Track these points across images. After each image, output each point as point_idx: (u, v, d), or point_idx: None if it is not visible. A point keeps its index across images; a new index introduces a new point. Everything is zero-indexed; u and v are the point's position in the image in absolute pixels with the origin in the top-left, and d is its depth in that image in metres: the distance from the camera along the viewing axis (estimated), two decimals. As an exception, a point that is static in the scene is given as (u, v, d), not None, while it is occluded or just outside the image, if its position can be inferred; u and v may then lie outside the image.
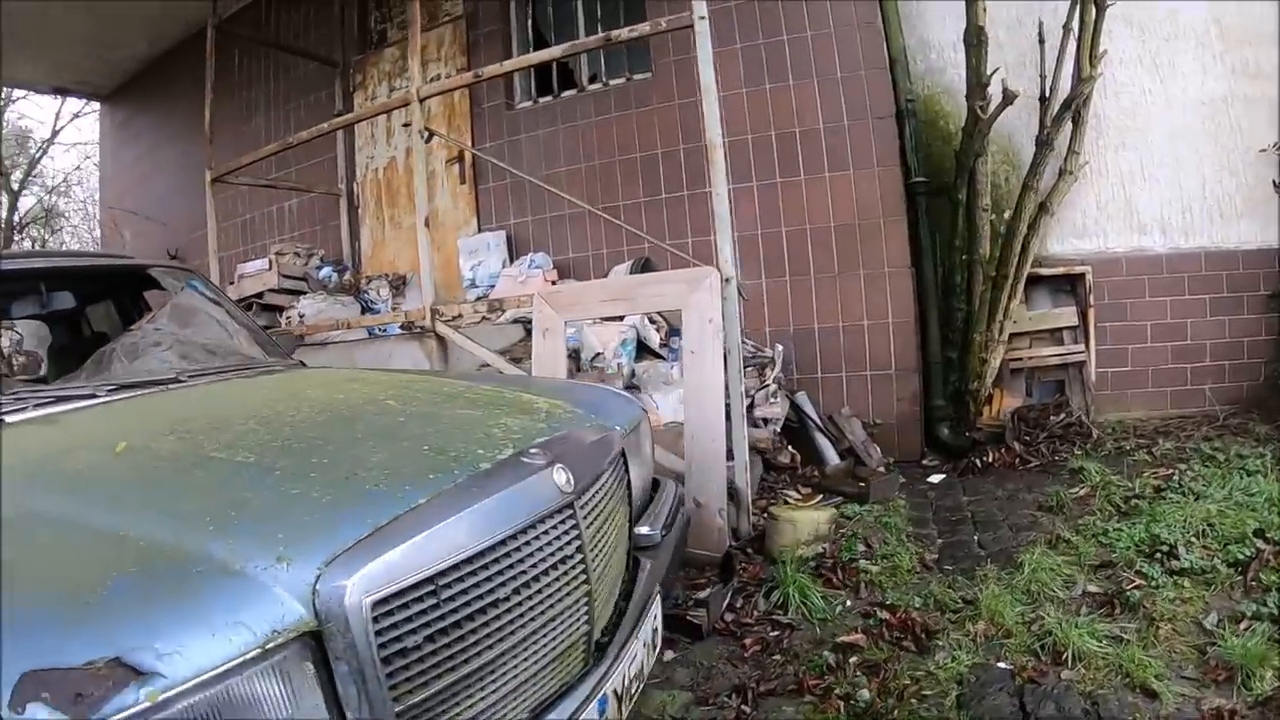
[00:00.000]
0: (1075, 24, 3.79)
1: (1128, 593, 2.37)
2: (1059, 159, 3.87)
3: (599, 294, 3.56)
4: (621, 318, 4.05)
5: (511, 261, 5.11)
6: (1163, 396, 4.16)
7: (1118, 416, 4.17)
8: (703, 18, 3.11)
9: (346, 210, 6.26)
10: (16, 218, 15.28)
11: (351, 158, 6.26)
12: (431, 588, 1.06)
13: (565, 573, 1.30)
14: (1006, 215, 4.01)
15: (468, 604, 1.11)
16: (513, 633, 1.19)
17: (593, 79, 5.09)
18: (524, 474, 1.30)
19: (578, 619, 1.34)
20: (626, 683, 1.42)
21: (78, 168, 17.54)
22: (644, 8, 4.44)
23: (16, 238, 15.01)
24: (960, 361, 4.11)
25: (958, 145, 4.02)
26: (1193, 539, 2.63)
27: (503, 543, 1.18)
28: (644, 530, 1.81)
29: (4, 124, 14.23)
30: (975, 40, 3.85)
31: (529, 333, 3.95)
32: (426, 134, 4.02)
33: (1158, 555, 2.58)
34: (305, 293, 5.49)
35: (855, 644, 2.33)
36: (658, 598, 1.66)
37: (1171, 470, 3.31)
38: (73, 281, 3.12)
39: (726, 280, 3.09)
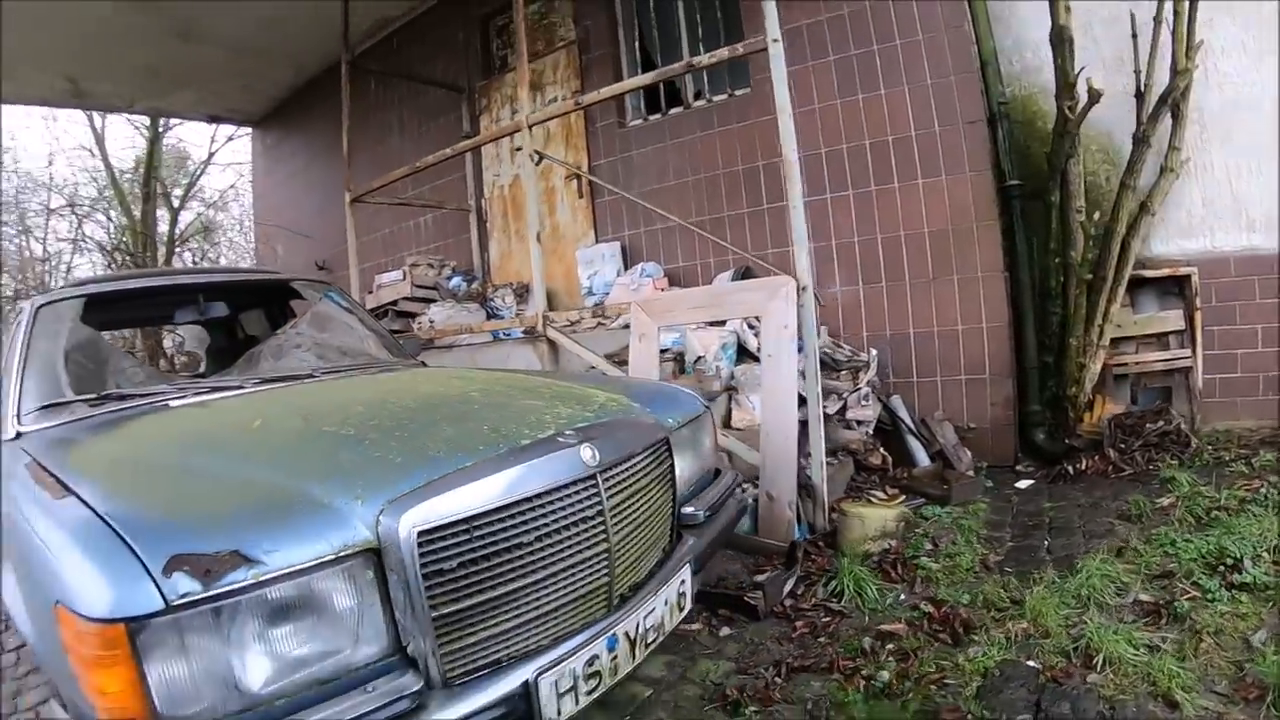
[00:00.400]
0: (1168, 15, 4.03)
1: (1177, 603, 2.55)
2: (1159, 156, 4.13)
3: (688, 302, 4.21)
4: (723, 323, 4.66)
5: (625, 270, 5.93)
6: (1272, 405, 4.25)
7: (1225, 425, 4.30)
8: (776, 40, 3.63)
9: (476, 224, 7.39)
10: (177, 232, 18.71)
11: (479, 176, 7.37)
12: (465, 527, 1.59)
13: (585, 530, 1.82)
14: (1104, 216, 4.30)
15: (494, 542, 1.64)
16: (534, 571, 1.71)
17: (697, 95, 5.79)
18: (554, 449, 1.84)
19: (597, 570, 1.85)
20: (641, 630, 1.92)
21: (233, 185, 20.44)
22: (741, 27, 4.98)
23: (177, 250, 18.23)
24: (1057, 367, 4.42)
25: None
26: (1262, 554, 2.78)
27: (529, 499, 1.71)
28: (689, 510, 2.34)
29: (163, 147, 17.48)
30: (1059, 39, 4.16)
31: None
32: (536, 157, 4.77)
33: (1221, 569, 2.74)
34: (435, 300, 6.56)
35: (895, 633, 2.70)
36: (687, 567, 2.17)
37: (1261, 483, 3.45)
38: (230, 293, 4.18)
39: (802, 289, 3.60)
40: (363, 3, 6.46)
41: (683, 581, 2.15)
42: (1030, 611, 2.67)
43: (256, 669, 1.39)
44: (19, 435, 2.34)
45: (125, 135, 19.51)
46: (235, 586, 1.36)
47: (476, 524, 1.63)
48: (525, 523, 1.72)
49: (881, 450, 4.46)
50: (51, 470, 1.79)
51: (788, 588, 3.13)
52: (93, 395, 2.52)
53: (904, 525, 3.67)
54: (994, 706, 2.20)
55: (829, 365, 4.60)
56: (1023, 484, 4.21)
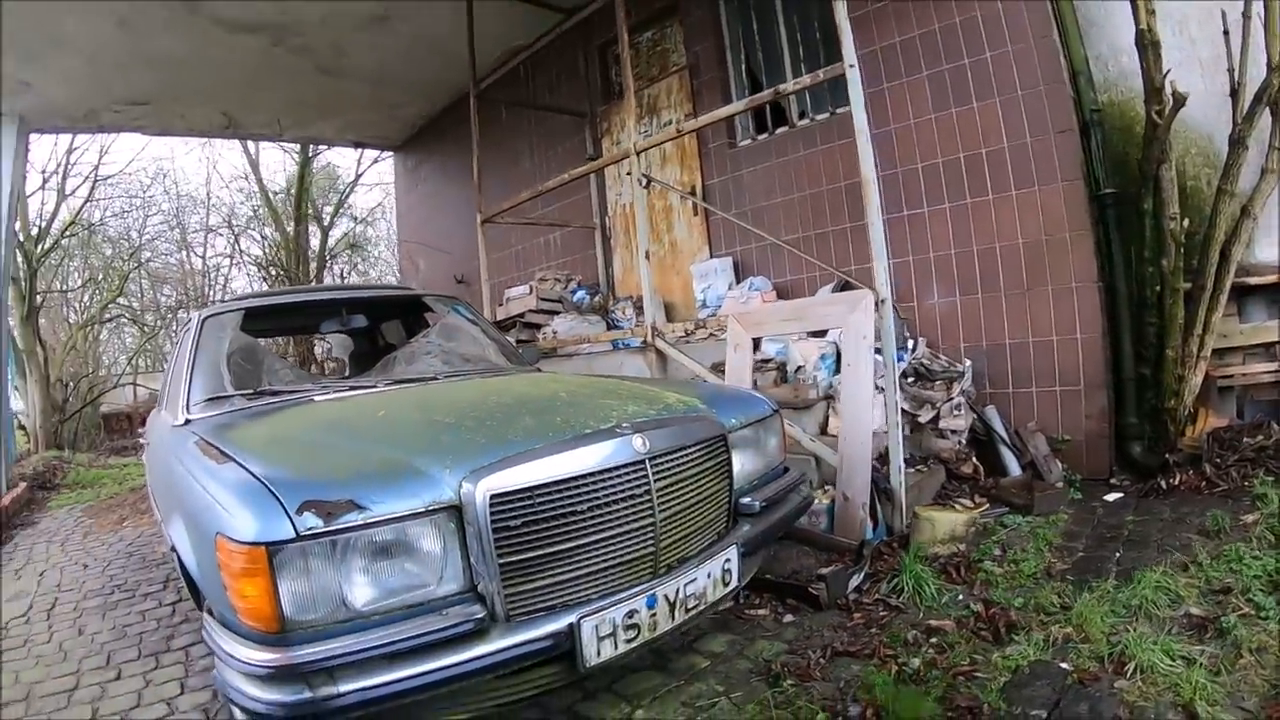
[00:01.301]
0: (1259, 9, 4.00)
1: (1225, 619, 2.63)
2: (1262, 157, 4.07)
3: (777, 315, 4.67)
4: (824, 334, 5.04)
5: (736, 284, 6.41)
6: (1388, 421, 4.23)
7: (1335, 441, 4.22)
8: (852, 65, 4.00)
9: (600, 241, 8.11)
10: (327, 248, 20.22)
11: (603, 195, 8.12)
12: (528, 494, 2.13)
13: (633, 506, 2.31)
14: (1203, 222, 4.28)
15: (551, 508, 2.16)
16: (585, 535, 2.21)
17: (801, 115, 6.21)
18: (609, 437, 2.35)
19: (643, 541, 2.32)
20: (681, 596, 2.36)
21: (380, 204, 22.00)
22: (839, 46, 5.61)
23: (327, 264, 19.22)
24: (1155, 378, 4.46)
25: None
26: (1329, 575, 2.88)
27: (583, 476, 2.22)
28: (745, 500, 2.78)
29: (313, 170, 19.59)
30: (1144, 41, 4.17)
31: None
32: (644, 180, 5.33)
33: (1281, 587, 2.86)
34: (559, 313, 7.21)
35: (942, 628, 2.95)
36: (734, 547, 2.58)
37: (1353, 503, 3.51)
38: (370, 307, 5.07)
39: (881, 301, 3.96)
40: (490, 36, 7.23)
41: (728, 560, 2.57)
42: (1076, 617, 2.84)
43: (360, 591, 1.97)
44: (188, 422, 3.12)
45: (277, 160, 22.01)
46: (348, 525, 1.94)
47: (537, 492, 2.16)
48: (579, 495, 2.23)
49: (974, 460, 4.69)
50: (216, 445, 2.48)
51: (853, 583, 3.44)
52: (249, 391, 3.31)
53: (975, 530, 3.95)
54: (1014, 701, 2.36)
55: (924, 375, 4.93)
56: (1111, 497, 4.32)
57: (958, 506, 4.32)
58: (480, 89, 7.15)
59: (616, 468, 2.31)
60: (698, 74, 6.94)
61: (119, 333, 23.53)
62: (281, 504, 1.94)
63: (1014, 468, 4.64)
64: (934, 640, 2.88)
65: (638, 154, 5.35)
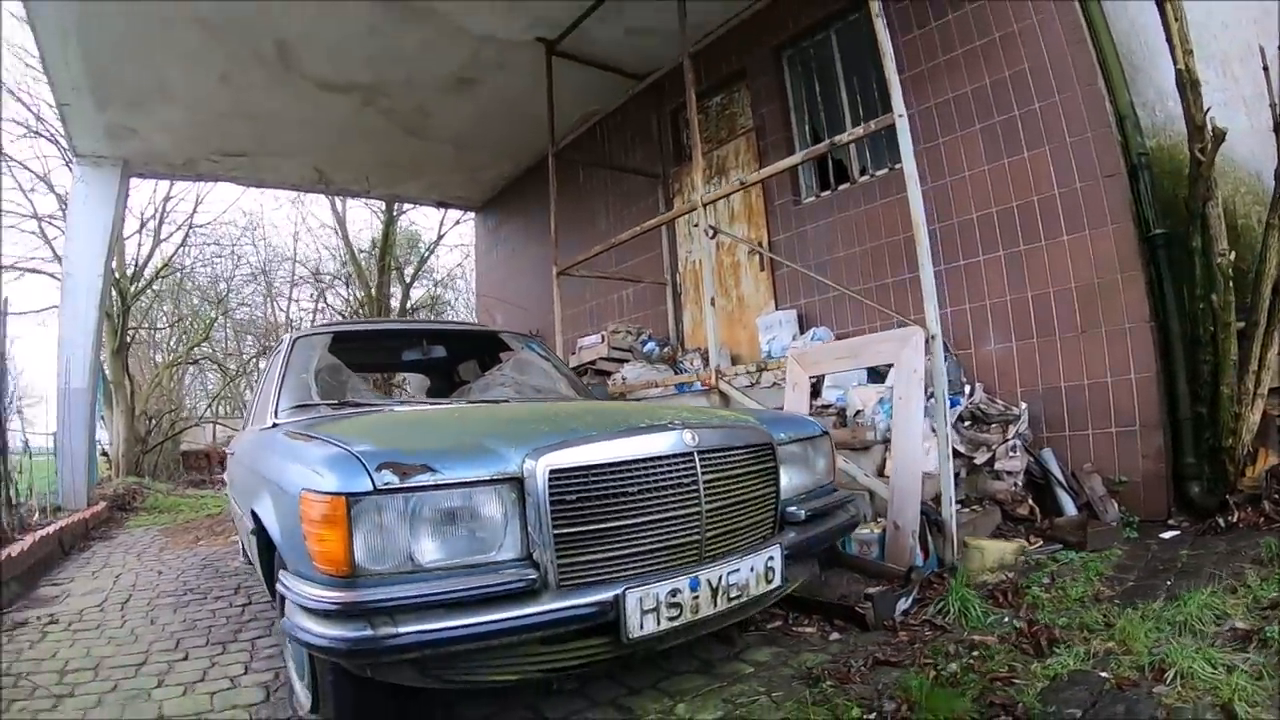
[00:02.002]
0: None
1: (1270, 629, 2.68)
2: None
3: (833, 354, 4.98)
4: (883, 379, 5.31)
5: (799, 335, 6.66)
6: None
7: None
8: (901, 115, 4.29)
9: (671, 297, 8.51)
10: (408, 305, 20.92)
11: (674, 252, 8.54)
12: (583, 472, 2.37)
13: (680, 494, 2.53)
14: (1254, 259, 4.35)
15: (604, 487, 2.39)
16: (634, 515, 2.43)
17: (863, 171, 6.54)
18: (661, 430, 2.61)
19: (689, 527, 2.53)
20: (724, 584, 2.55)
21: (459, 264, 23.11)
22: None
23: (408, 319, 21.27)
24: (1211, 417, 4.48)
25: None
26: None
27: (634, 461, 2.46)
28: (791, 509, 2.99)
29: (397, 228, 20.87)
30: (1183, 81, 4.34)
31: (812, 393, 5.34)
32: (711, 233, 5.69)
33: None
34: (629, 361, 7.61)
35: (984, 642, 3.04)
36: (777, 547, 2.78)
37: None
38: (449, 340, 5.49)
39: (931, 337, 4.18)
40: (567, 98, 7.82)
41: (771, 558, 2.75)
42: (1119, 632, 2.91)
43: (426, 547, 2.22)
44: (275, 425, 3.52)
45: (363, 218, 23.46)
46: (420, 485, 2.21)
47: (592, 472, 2.40)
48: (630, 478, 2.46)
49: (1030, 501, 4.79)
50: (303, 433, 2.81)
51: (900, 606, 3.59)
52: (334, 401, 3.71)
53: (1025, 562, 4.07)
54: (1049, 703, 2.43)
55: (981, 419, 5.08)
56: (1166, 535, 4.37)
57: (1009, 538, 4.46)
58: (558, 149, 7.68)
59: (666, 457, 2.54)
60: (764, 135, 7.38)
61: (202, 376, 24.87)
62: (363, 464, 2.21)
63: (1070, 509, 4.73)
64: (975, 653, 2.98)
65: (704, 206, 5.71)
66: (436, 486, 2.24)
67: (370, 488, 2.15)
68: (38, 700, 3.30)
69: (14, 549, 5.60)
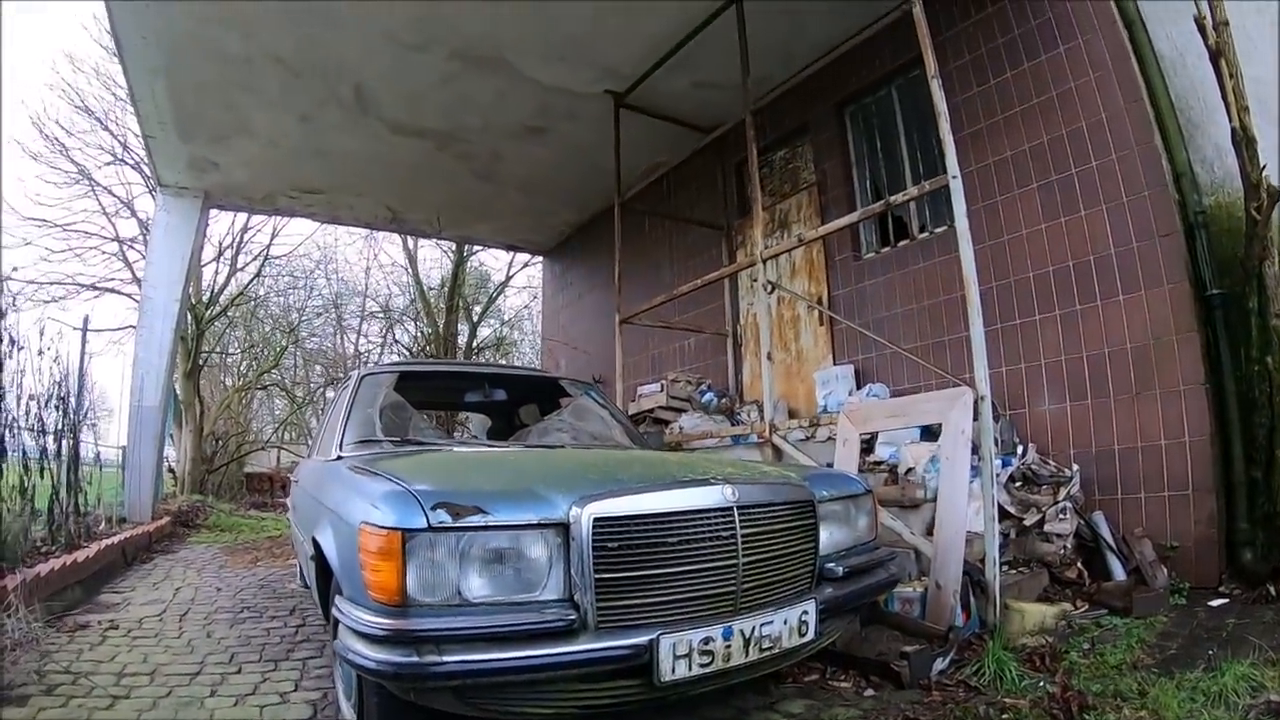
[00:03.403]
0: None
1: None
2: None
3: (883, 410, 5.09)
4: (935, 438, 5.28)
5: (855, 391, 6.85)
6: None
7: None
8: (955, 176, 4.47)
9: (731, 348, 8.75)
10: (475, 343, 21.56)
11: (735, 305, 8.80)
12: (626, 521, 2.53)
13: (718, 547, 2.67)
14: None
15: (645, 537, 2.55)
16: (672, 564, 2.58)
17: (922, 229, 6.73)
18: (702, 484, 2.77)
19: (726, 579, 2.67)
20: (756, 635, 2.67)
21: (526, 306, 23.73)
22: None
23: (474, 357, 20.73)
24: (1266, 481, 4.46)
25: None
26: None
27: (675, 513, 2.62)
28: (829, 565, 3.13)
29: (466, 269, 21.83)
30: (1239, 139, 4.39)
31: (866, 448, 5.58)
32: (770, 287, 5.88)
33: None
34: (686, 411, 7.88)
35: (1015, 706, 3.12)
36: (812, 601, 2.90)
37: None
38: (510, 385, 5.79)
39: (981, 398, 4.27)
40: (634, 148, 8.20)
41: (805, 612, 2.87)
42: (1152, 701, 2.99)
43: (474, 583, 2.39)
44: (339, 458, 3.77)
45: (433, 256, 24.48)
46: (472, 524, 2.40)
47: (634, 521, 2.56)
48: (670, 529, 2.61)
49: (1079, 565, 4.84)
50: (365, 468, 3.03)
51: (937, 665, 3.67)
52: (397, 438, 3.97)
53: (1066, 625, 4.15)
54: None
55: (1032, 480, 5.16)
56: (1215, 602, 4.35)
57: (1053, 602, 4.54)
58: (624, 199, 8.01)
59: (706, 510, 2.70)
60: (825, 190, 7.63)
61: (269, 401, 26.00)
62: (419, 502, 2.40)
63: (1119, 573, 4.75)
64: (1005, 716, 3.08)
65: (764, 261, 5.93)
66: (487, 528, 2.42)
67: (425, 525, 2.34)
68: (95, 699, 3.56)
69: (80, 555, 5.94)
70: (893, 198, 5.17)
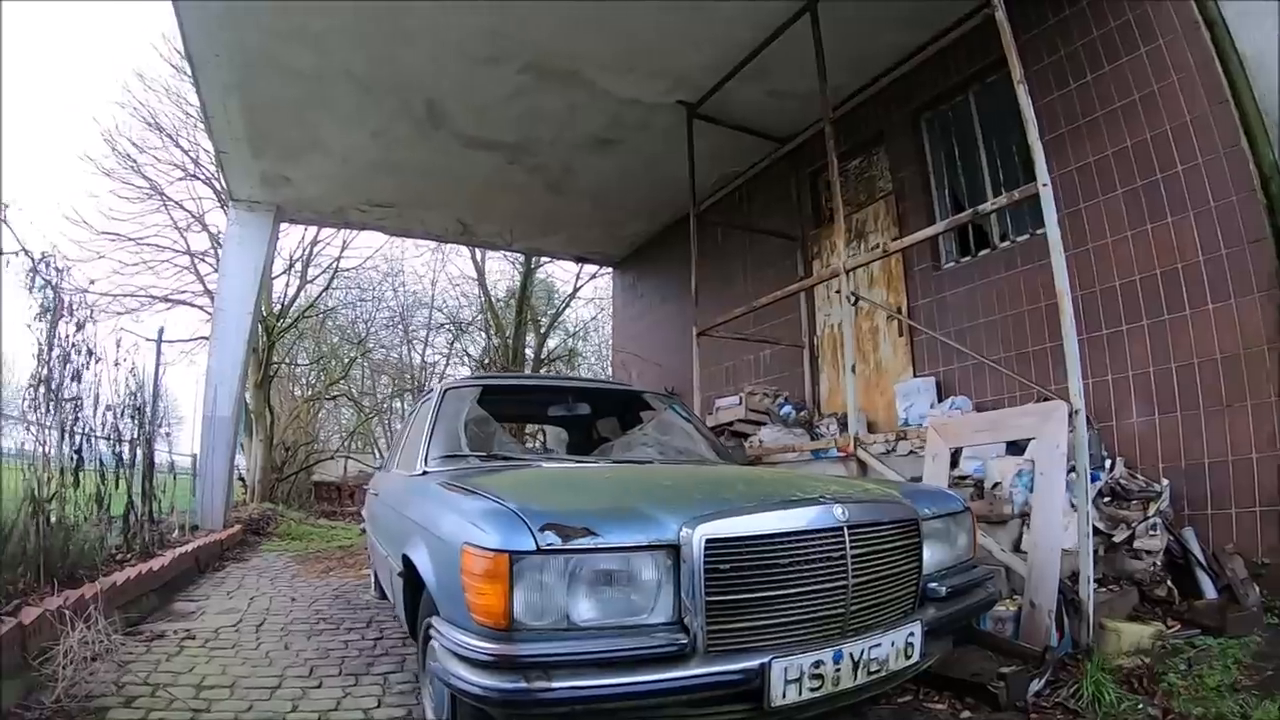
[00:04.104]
0: None
1: None
2: None
3: (974, 425, 5.05)
4: (1022, 452, 5.36)
5: (937, 403, 6.83)
6: None
7: None
8: (1045, 185, 4.42)
9: (808, 360, 8.77)
10: (544, 355, 21.85)
11: (812, 316, 8.82)
12: (738, 542, 2.50)
13: (828, 568, 2.64)
14: None
15: (757, 558, 2.52)
16: (784, 587, 2.55)
17: (1003, 237, 6.67)
18: (813, 504, 2.74)
19: (835, 601, 2.63)
20: (865, 658, 2.65)
21: (594, 318, 24.02)
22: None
23: (543, 370, 21.19)
24: None
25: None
26: None
27: (787, 534, 2.59)
28: (932, 585, 3.09)
29: (534, 279, 22.27)
30: None
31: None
32: (853, 299, 5.87)
33: None
34: (766, 424, 7.90)
35: None
36: (918, 624, 2.88)
37: None
38: (594, 398, 5.77)
39: (1075, 412, 4.24)
40: (707, 158, 8.29)
41: (911, 634, 2.85)
42: None
43: (583, 606, 2.36)
44: (425, 473, 3.83)
45: (499, 268, 25.07)
46: (582, 547, 2.37)
47: (746, 542, 2.53)
48: (782, 550, 2.59)
49: (1169, 583, 4.76)
50: (460, 485, 3.04)
51: (1033, 687, 3.65)
52: (483, 453, 4.01)
53: (1162, 646, 4.09)
54: None
55: (1120, 495, 5.06)
56: None
57: (1146, 621, 4.46)
58: (699, 210, 8.10)
59: (817, 531, 2.67)
60: (903, 199, 7.64)
61: (337, 412, 26.65)
62: (526, 524, 2.39)
63: (1210, 591, 4.67)
64: None
65: (847, 273, 5.93)
66: (597, 550, 2.41)
67: (533, 547, 2.34)
68: (174, 712, 3.63)
69: (155, 564, 6.15)
70: (980, 207, 5.17)
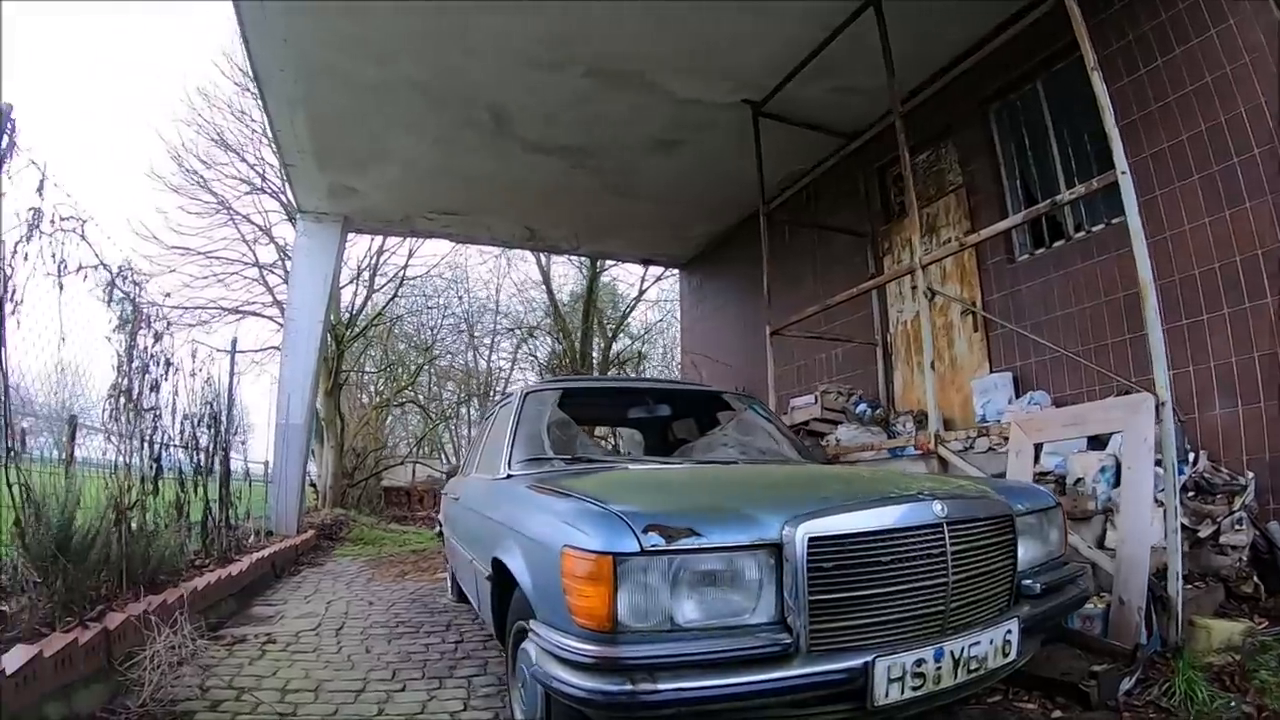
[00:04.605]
0: None
1: None
2: None
3: (1058, 420, 5.04)
4: (1104, 447, 5.36)
5: (1015, 399, 6.80)
6: None
7: None
8: (1124, 173, 4.42)
9: (881, 357, 8.79)
10: (611, 358, 22.18)
11: (884, 313, 8.82)
12: (841, 540, 2.51)
13: (929, 565, 2.64)
14: None
15: (859, 556, 2.53)
16: (885, 585, 2.56)
17: (1078, 228, 6.61)
18: (912, 500, 2.76)
19: (935, 598, 2.64)
20: (965, 656, 2.65)
21: (660, 320, 24.51)
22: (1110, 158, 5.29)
23: (609, 372, 21.60)
24: None
25: None
26: None
27: (888, 531, 2.61)
28: (1026, 582, 3.11)
29: (599, 283, 22.69)
30: None
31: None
32: (930, 294, 5.88)
33: None
34: (842, 423, 7.91)
35: None
36: (1015, 621, 2.89)
37: None
38: (673, 399, 5.88)
39: (1161, 404, 4.23)
40: (772, 156, 8.36)
41: (1009, 631, 2.86)
42: None
43: (686, 607, 2.38)
44: (509, 476, 3.90)
45: (562, 273, 25.58)
46: (686, 548, 2.38)
47: (849, 540, 2.55)
48: (884, 547, 2.60)
49: (1255, 579, 4.75)
50: (550, 487, 3.09)
51: (1124, 685, 3.66)
52: (567, 456, 4.06)
53: (1252, 643, 4.04)
54: None
55: (1205, 489, 5.01)
56: None
57: (1234, 618, 4.41)
58: (767, 209, 8.18)
59: (917, 527, 2.70)
60: (974, 191, 7.62)
61: (403, 417, 27.33)
62: (629, 525, 2.41)
63: None
64: None
65: (922, 268, 5.95)
66: (700, 550, 2.43)
67: (637, 549, 2.36)
68: (261, 716, 3.74)
69: (233, 568, 6.37)
70: (1059, 197, 5.16)
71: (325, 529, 11.98)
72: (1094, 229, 6.56)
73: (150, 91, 43.70)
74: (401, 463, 24.00)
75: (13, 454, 4.07)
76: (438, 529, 7.25)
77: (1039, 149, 7.17)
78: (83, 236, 4.77)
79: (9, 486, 4.03)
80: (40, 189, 4.31)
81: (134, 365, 5.54)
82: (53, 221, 4.45)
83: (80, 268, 4.78)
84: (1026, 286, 7.11)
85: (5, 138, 3.93)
